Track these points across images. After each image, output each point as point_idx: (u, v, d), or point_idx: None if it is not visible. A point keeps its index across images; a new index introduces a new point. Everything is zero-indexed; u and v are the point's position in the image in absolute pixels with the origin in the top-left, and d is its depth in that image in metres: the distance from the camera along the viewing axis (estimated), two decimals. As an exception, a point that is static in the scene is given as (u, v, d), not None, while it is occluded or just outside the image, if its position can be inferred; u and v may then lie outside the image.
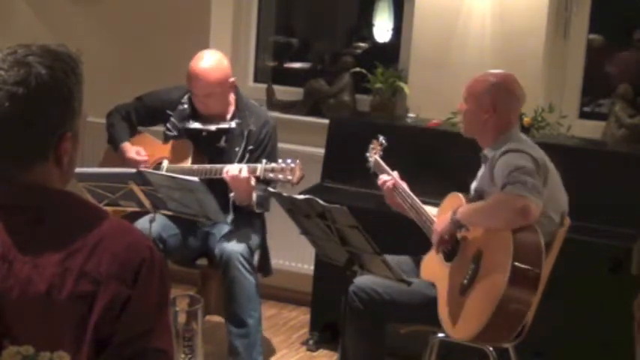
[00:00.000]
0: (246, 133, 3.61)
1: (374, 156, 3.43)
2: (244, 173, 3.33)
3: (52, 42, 1.54)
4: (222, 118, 3.64)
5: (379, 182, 3.33)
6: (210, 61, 3.56)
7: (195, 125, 3.64)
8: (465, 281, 2.86)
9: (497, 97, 3.04)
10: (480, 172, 3.11)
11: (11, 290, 1.43)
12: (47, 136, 1.49)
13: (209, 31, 4.60)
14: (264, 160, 3.35)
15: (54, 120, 1.49)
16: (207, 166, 3.48)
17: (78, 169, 3.26)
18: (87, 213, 1.51)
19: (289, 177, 3.26)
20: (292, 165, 3.27)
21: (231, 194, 3.47)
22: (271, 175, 3.29)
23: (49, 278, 1.43)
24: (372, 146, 3.46)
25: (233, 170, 3.35)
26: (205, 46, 4.50)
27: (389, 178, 3.31)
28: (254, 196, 3.43)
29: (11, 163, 1.49)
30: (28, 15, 4.95)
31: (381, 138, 3.44)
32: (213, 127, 3.62)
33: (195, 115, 3.66)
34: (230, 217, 3.59)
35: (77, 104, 1.52)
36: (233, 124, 3.62)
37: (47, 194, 1.50)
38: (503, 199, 2.76)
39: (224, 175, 3.37)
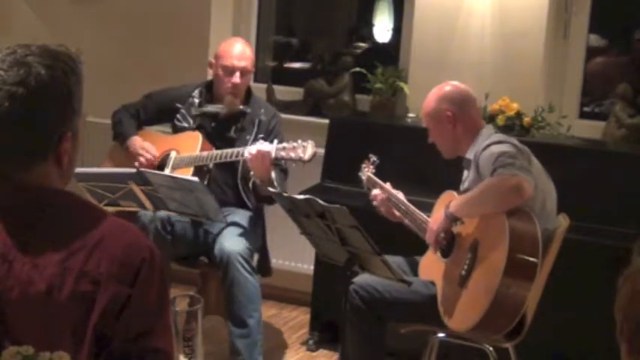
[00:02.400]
0: (257, 122, 3.69)
1: (366, 174, 3.44)
2: (266, 148, 3.32)
3: (52, 42, 1.54)
4: (234, 105, 3.69)
5: (371, 197, 3.33)
6: (243, 43, 3.77)
7: (209, 108, 3.69)
8: (463, 272, 2.87)
9: (450, 104, 3.10)
10: (465, 176, 3.13)
11: (11, 290, 1.43)
12: (47, 136, 1.49)
13: (209, 32, 4.60)
14: (275, 140, 3.38)
15: (54, 120, 1.49)
16: (218, 151, 3.51)
17: (78, 169, 3.26)
18: (87, 213, 1.51)
19: (301, 154, 3.29)
20: (304, 143, 3.30)
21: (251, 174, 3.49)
22: (283, 153, 3.31)
23: (49, 278, 1.43)
24: (363, 165, 3.46)
25: (251, 150, 3.34)
26: (205, 46, 4.51)
27: (379, 192, 3.31)
28: (272, 173, 3.44)
29: (11, 163, 1.49)
30: (28, 15, 4.95)
31: (373, 157, 3.44)
32: (226, 110, 3.68)
33: (208, 101, 3.73)
34: (252, 203, 3.66)
35: (77, 104, 1.52)
36: (244, 108, 3.69)
37: (47, 194, 1.50)
38: (495, 180, 2.78)
39: (246, 155, 3.36)
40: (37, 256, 1.44)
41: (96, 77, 4.32)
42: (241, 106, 3.70)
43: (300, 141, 3.32)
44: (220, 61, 3.69)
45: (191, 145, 3.62)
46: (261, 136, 3.65)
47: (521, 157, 2.85)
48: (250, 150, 3.37)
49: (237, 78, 3.65)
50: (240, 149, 3.48)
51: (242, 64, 3.66)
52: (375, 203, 3.33)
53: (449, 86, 3.16)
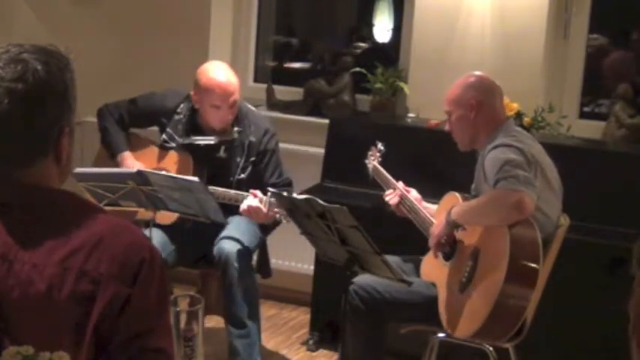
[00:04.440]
0: (246, 143, 3.57)
1: (372, 162, 3.42)
2: (257, 204, 3.31)
3: (52, 42, 1.55)
4: (222, 129, 3.58)
5: (386, 198, 3.32)
6: (226, 70, 3.54)
7: (197, 139, 3.57)
8: (464, 279, 2.87)
9: (477, 92, 3.07)
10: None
11: (11, 290, 1.43)
12: (47, 131, 1.49)
13: (209, 31, 4.60)
14: (269, 193, 3.30)
15: (53, 115, 1.49)
16: (210, 188, 3.39)
17: (78, 169, 3.27)
18: (87, 213, 1.51)
19: None
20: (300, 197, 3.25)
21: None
22: (277, 209, 3.28)
23: (48, 278, 1.43)
24: (370, 153, 3.46)
25: (243, 206, 3.35)
26: (205, 46, 4.51)
27: (393, 193, 3.29)
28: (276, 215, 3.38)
29: (12, 161, 1.49)
30: (28, 15, 4.95)
31: (380, 145, 3.43)
32: (216, 140, 3.57)
33: (194, 127, 3.61)
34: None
35: (72, 100, 1.53)
36: (235, 134, 3.57)
37: (47, 193, 1.50)
38: (497, 194, 2.76)
39: (240, 210, 3.35)
40: (37, 255, 1.44)
41: (96, 77, 4.34)
42: (228, 137, 3.56)
43: (294, 194, 3.25)
44: (206, 99, 3.48)
45: (182, 170, 3.53)
46: (252, 159, 3.57)
47: (528, 166, 2.81)
48: (243, 206, 3.34)
49: (228, 115, 3.51)
50: (233, 194, 3.40)
51: (231, 99, 3.47)
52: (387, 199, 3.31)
53: (475, 76, 3.14)
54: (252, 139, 3.58)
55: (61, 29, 4.76)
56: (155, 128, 3.75)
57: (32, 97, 1.46)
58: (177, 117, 3.63)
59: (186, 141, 3.59)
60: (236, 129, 3.58)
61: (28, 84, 1.45)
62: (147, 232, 3.32)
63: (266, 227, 3.59)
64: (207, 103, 3.51)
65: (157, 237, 3.45)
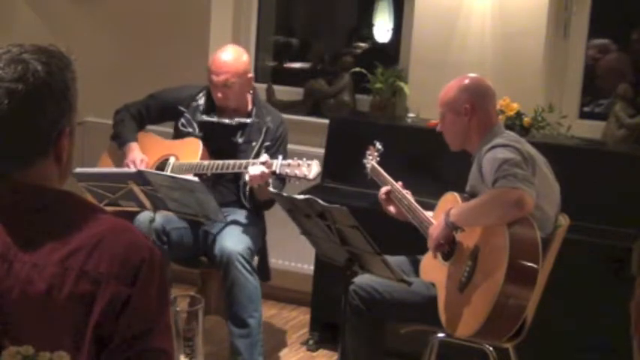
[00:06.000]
0: (264, 129, 3.67)
1: (371, 162, 3.43)
2: (262, 170, 3.32)
3: (52, 42, 1.55)
4: (238, 114, 3.68)
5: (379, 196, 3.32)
6: (232, 53, 3.67)
7: (213, 118, 3.68)
8: (463, 279, 2.87)
9: (471, 96, 3.07)
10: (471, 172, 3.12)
11: (11, 290, 1.43)
12: (47, 132, 1.49)
13: (209, 32, 4.60)
14: (280, 157, 3.36)
15: (53, 115, 1.49)
16: (219, 162, 3.50)
17: (78, 169, 3.27)
18: (87, 213, 1.51)
19: (306, 172, 3.28)
20: (309, 161, 3.29)
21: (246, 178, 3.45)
22: (287, 170, 3.31)
23: (48, 278, 1.43)
24: (368, 152, 3.46)
25: (253, 171, 3.34)
26: (205, 46, 4.51)
27: (385, 190, 3.29)
28: (270, 181, 3.41)
29: (12, 162, 1.49)
30: (28, 15, 4.95)
31: (378, 144, 3.43)
32: (231, 121, 3.66)
33: (212, 109, 3.70)
34: (244, 213, 3.63)
35: (73, 100, 1.53)
36: (250, 120, 3.67)
37: (47, 194, 1.50)
38: (497, 193, 2.76)
39: (250, 172, 3.35)
40: (37, 255, 1.44)
41: (96, 77, 4.35)
42: (244, 120, 3.66)
43: (305, 159, 3.31)
44: (208, 76, 3.65)
45: (191, 152, 3.62)
46: (267, 143, 3.65)
47: (525, 164, 2.81)
48: (254, 169, 3.34)
49: (225, 97, 3.62)
50: (242, 162, 3.46)
51: (221, 77, 3.59)
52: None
53: (470, 78, 3.13)
54: (270, 125, 3.69)
55: (61, 29, 4.77)
56: (168, 129, 3.77)
57: (33, 97, 1.46)
58: (194, 104, 3.74)
59: (205, 118, 3.68)
60: (253, 118, 3.68)
61: (29, 84, 1.45)
62: (150, 213, 3.33)
63: (262, 205, 3.62)
64: (209, 80, 3.65)
65: (164, 213, 3.46)
